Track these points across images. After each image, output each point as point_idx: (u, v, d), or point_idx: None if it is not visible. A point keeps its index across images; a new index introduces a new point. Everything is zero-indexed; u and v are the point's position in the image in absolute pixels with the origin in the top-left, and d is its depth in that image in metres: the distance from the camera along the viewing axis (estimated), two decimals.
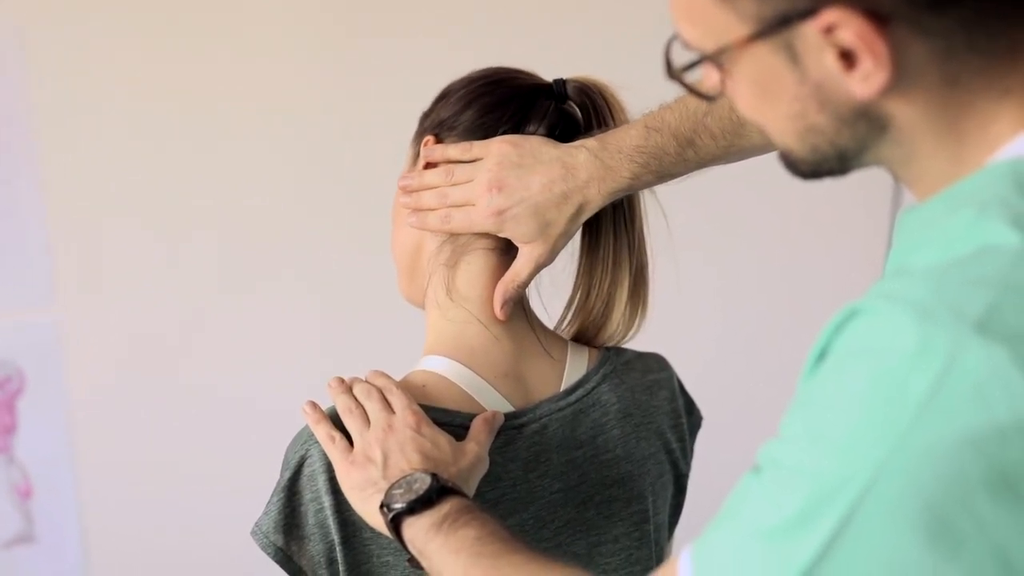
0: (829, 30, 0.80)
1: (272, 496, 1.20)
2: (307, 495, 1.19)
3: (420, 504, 1.10)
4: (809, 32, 0.81)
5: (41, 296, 2.44)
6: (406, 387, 1.23)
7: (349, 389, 1.21)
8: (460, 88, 1.29)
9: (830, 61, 0.81)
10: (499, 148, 1.25)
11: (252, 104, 2.50)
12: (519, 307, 1.29)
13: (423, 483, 1.11)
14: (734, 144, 1.25)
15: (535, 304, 1.33)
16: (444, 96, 1.30)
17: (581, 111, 1.30)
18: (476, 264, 1.27)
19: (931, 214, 0.84)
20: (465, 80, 1.30)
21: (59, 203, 2.44)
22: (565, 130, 1.28)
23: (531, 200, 1.24)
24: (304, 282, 2.56)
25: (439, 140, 1.28)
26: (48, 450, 2.47)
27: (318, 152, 2.53)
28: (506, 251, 1.28)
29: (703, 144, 1.25)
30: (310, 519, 1.19)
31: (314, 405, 1.20)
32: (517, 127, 1.27)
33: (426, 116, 1.31)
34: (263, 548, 1.20)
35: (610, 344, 1.35)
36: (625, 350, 1.37)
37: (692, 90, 0.91)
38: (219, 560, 2.52)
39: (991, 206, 0.79)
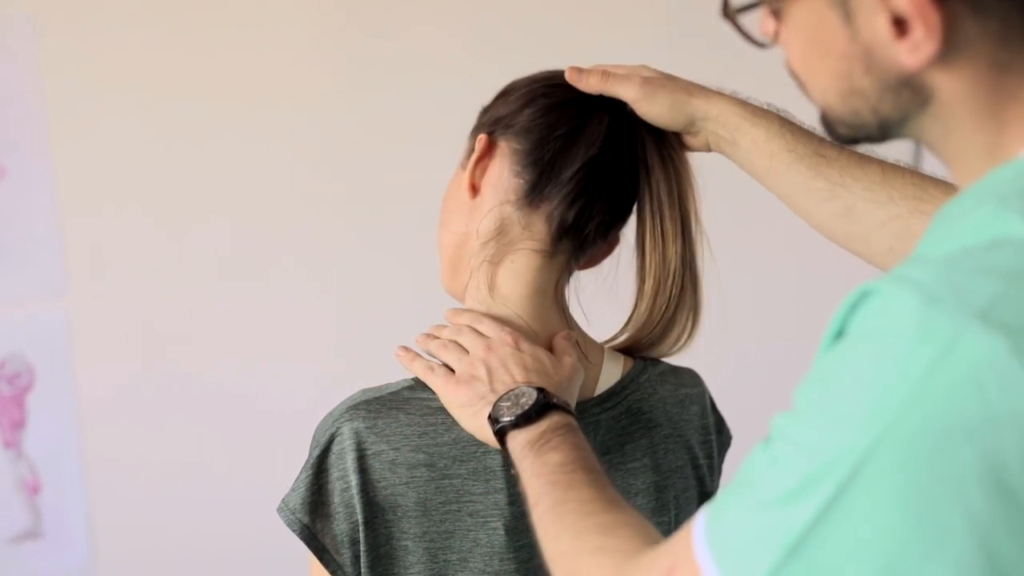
0: None
1: (300, 473, 1.20)
2: (335, 473, 1.19)
3: (523, 419, 1.13)
4: None
5: (52, 289, 2.44)
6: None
7: (437, 337, 1.25)
8: (522, 87, 1.29)
9: (882, 26, 0.82)
10: None
11: (264, 97, 2.51)
12: (557, 308, 1.29)
13: (529, 397, 1.15)
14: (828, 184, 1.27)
15: (574, 310, 1.33)
16: (505, 93, 1.30)
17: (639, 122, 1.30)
18: (520, 263, 1.26)
19: (959, 209, 0.85)
20: (528, 79, 1.30)
21: (71, 195, 2.44)
22: (621, 143, 1.27)
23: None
24: (315, 276, 2.56)
25: (493, 138, 1.27)
26: (56, 445, 2.46)
27: (329, 147, 2.54)
28: (551, 253, 1.27)
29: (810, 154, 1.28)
30: (336, 497, 1.19)
31: (406, 348, 1.24)
32: (571, 133, 1.26)
33: (485, 111, 1.31)
34: (289, 525, 1.20)
35: (664, 347, 1.35)
36: (660, 362, 1.37)
37: (742, 32, 0.92)
38: (227, 555, 2.51)
39: (1011, 200, 0.80)
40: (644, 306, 1.31)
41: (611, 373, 1.31)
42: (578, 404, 1.27)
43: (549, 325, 1.28)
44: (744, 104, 1.29)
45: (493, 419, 1.15)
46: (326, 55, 2.52)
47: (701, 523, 0.85)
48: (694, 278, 1.31)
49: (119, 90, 2.45)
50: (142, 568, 2.51)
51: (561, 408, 1.15)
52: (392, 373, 1.28)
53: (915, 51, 0.82)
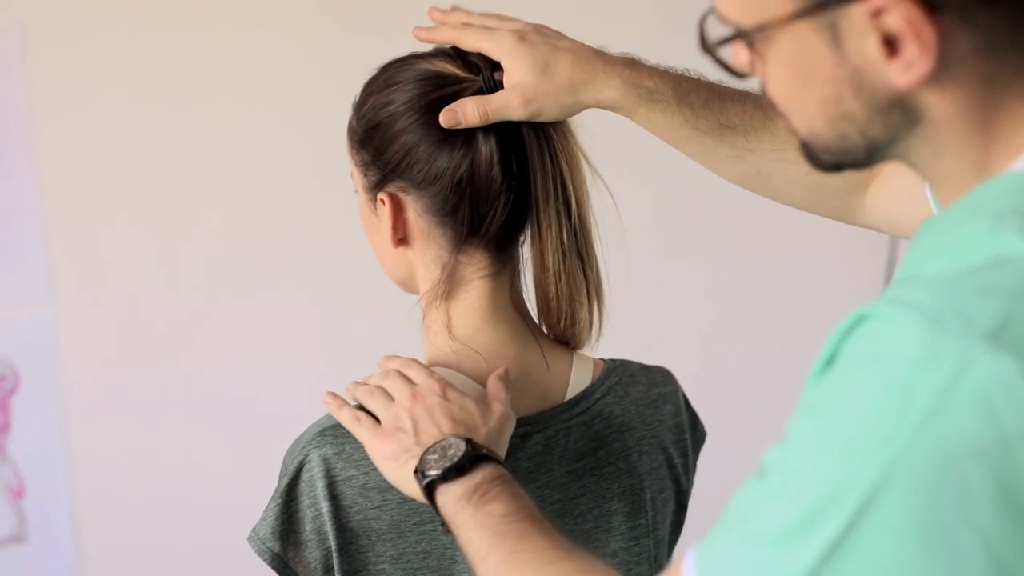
0: (877, 13, 0.79)
1: (270, 502, 1.20)
2: (305, 500, 1.19)
3: (453, 472, 1.10)
4: (856, 14, 0.80)
5: (39, 293, 2.43)
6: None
7: (365, 384, 1.21)
8: (399, 116, 1.21)
9: (872, 46, 0.80)
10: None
11: (252, 102, 2.49)
12: (518, 314, 1.27)
13: (458, 449, 1.11)
14: (723, 124, 1.28)
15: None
16: (377, 128, 1.23)
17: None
18: (473, 292, 1.24)
19: (948, 223, 0.84)
20: (402, 107, 1.21)
21: (58, 200, 2.43)
22: (515, 150, 1.22)
23: (554, 43, 1.23)
24: (301, 280, 2.55)
25: (393, 194, 1.22)
26: (41, 449, 2.45)
27: (318, 151, 2.52)
28: (498, 271, 1.24)
29: (697, 101, 1.27)
30: (307, 525, 1.18)
31: (334, 395, 1.20)
32: (472, 170, 1.20)
33: (364, 139, 1.24)
34: (260, 554, 1.19)
35: (578, 342, 1.30)
36: (630, 362, 1.35)
37: (725, 66, 0.90)
38: (212, 562, 2.51)
39: (1007, 217, 0.79)
40: (537, 294, 1.28)
41: (581, 377, 1.30)
42: (548, 411, 1.26)
43: (515, 333, 1.26)
44: (638, 81, 1.25)
45: (420, 472, 1.12)
46: (320, 59, 2.51)
47: (691, 561, 0.83)
48: (585, 267, 1.26)
49: (108, 95, 2.43)
50: (128, 572, 2.51)
51: (492, 459, 1.12)
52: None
53: (908, 70, 0.80)
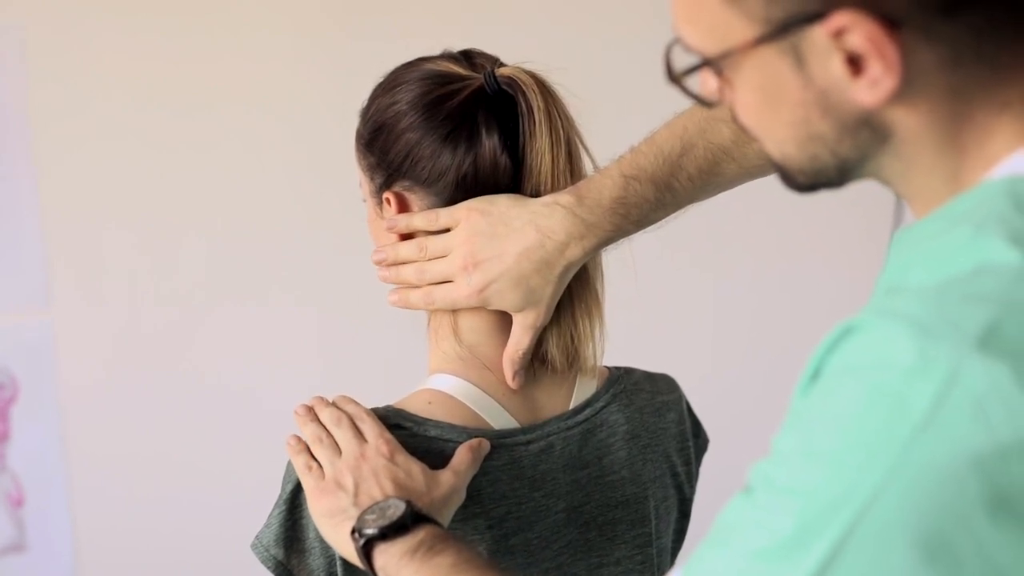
0: (839, 34, 0.79)
1: (273, 509, 1.19)
2: (308, 509, 1.18)
3: (393, 530, 1.09)
4: (818, 35, 0.80)
5: (36, 300, 2.43)
6: (410, 405, 1.22)
7: (317, 417, 1.20)
8: (405, 114, 1.21)
9: (836, 66, 0.80)
10: (467, 217, 1.20)
11: (251, 106, 2.50)
12: None
13: (397, 509, 1.10)
14: (710, 182, 1.24)
15: None
16: (381, 127, 1.23)
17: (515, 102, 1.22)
18: None
19: (925, 233, 0.84)
20: (406, 105, 1.21)
21: (55, 206, 2.43)
22: (515, 135, 1.21)
23: (510, 272, 1.20)
24: (299, 285, 2.55)
25: (399, 193, 1.23)
26: (41, 458, 2.45)
27: (316, 155, 2.52)
28: None
29: (681, 186, 1.23)
30: (311, 532, 1.18)
31: (298, 439, 1.19)
32: (476, 163, 1.20)
33: (370, 141, 1.24)
34: (263, 562, 1.19)
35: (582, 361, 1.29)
36: (634, 370, 1.35)
37: (693, 96, 0.90)
38: (212, 569, 2.51)
39: (989, 224, 0.78)
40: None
41: (585, 387, 1.29)
42: (551, 420, 1.26)
43: None
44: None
45: (357, 531, 1.10)
46: (319, 63, 2.51)
47: None
48: (584, 286, 1.26)
49: (106, 99, 2.44)
50: None
51: (435, 522, 1.11)
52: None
53: (874, 88, 0.80)
